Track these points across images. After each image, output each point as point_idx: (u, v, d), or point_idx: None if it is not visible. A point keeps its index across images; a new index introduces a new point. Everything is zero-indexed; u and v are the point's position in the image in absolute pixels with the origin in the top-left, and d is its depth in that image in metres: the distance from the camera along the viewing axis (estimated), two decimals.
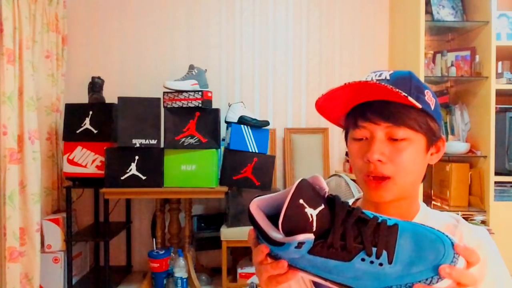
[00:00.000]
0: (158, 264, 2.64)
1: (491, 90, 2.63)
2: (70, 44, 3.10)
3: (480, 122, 2.74)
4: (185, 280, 2.62)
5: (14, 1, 2.29)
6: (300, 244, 0.51)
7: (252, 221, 0.56)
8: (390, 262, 0.50)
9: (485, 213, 2.65)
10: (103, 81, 2.81)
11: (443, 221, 0.77)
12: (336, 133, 3.12)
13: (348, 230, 0.52)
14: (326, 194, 0.55)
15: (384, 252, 0.51)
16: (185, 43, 3.19)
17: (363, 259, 0.51)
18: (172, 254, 2.74)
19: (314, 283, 0.81)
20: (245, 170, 2.64)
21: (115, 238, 2.82)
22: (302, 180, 0.53)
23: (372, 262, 0.51)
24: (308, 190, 0.52)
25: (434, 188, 3.00)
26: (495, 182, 2.64)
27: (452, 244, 0.51)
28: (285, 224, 0.51)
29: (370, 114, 0.70)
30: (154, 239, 2.79)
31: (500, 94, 2.70)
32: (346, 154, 2.72)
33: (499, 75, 2.71)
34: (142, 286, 2.71)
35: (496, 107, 2.66)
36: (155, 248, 2.71)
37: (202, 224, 3.01)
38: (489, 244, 0.75)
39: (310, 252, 0.52)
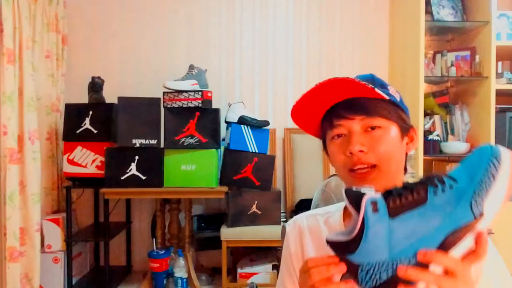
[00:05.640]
0: (158, 264, 2.64)
1: (491, 90, 2.63)
2: (70, 44, 3.10)
3: (480, 122, 2.74)
4: (185, 280, 2.62)
5: (14, 1, 2.29)
6: (374, 206, 0.54)
7: (331, 244, 0.58)
8: (456, 181, 0.54)
9: None
10: (103, 81, 2.81)
11: None
12: None
13: (403, 184, 0.56)
14: None
15: (445, 178, 0.55)
16: (185, 43, 3.18)
17: (435, 192, 0.54)
18: (172, 254, 2.74)
19: None
20: (245, 170, 2.64)
21: (115, 238, 2.82)
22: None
23: (443, 190, 0.54)
24: None
25: None
26: None
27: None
28: (351, 196, 0.56)
29: (344, 111, 0.75)
30: (154, 239, 2.79)
31: (500, 94, 2.70)
32: None
33: (499, 75, 2.72)
34: (142, 286, 2.71)
35: (496, 107, 2.66)
36: (155, 248, 2.71)
37: (202, 224, 3.02)
38: None
39: (391, 214, 0.54)
